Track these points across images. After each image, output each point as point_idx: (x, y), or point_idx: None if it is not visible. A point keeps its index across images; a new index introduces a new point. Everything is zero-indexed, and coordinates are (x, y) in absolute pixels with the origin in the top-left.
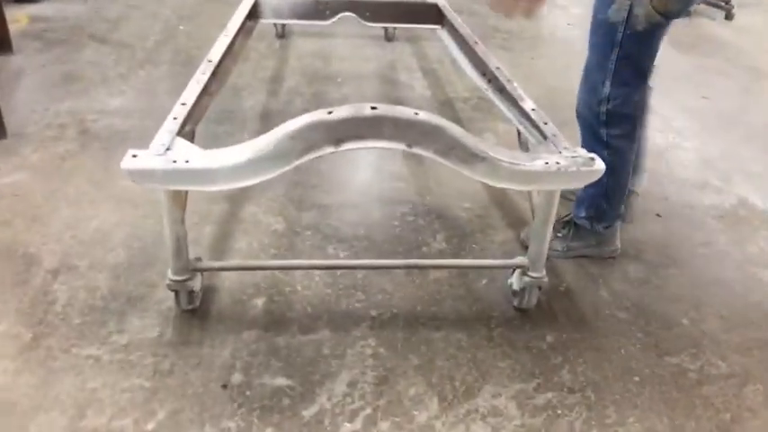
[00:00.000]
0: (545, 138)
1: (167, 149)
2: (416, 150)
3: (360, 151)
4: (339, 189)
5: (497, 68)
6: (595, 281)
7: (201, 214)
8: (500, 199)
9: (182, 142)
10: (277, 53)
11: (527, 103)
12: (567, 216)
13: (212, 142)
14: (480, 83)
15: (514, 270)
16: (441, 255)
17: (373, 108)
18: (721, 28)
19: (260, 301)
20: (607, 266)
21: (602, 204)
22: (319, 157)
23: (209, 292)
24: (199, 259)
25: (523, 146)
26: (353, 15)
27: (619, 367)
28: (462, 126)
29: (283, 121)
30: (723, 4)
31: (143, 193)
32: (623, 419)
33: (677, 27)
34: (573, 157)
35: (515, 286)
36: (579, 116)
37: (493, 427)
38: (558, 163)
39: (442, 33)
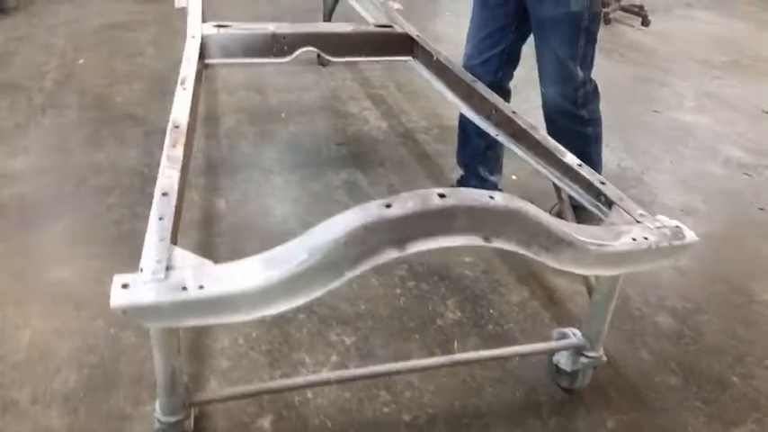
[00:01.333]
0: (609, 203)
1: (168, 269)
2: (496, 244)
3: (333, 204)
4: None
5: (513, 113)
6: (631, 340)
7: None
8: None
9: (181, 254)
10: (204, 86)
11: (568, 156)
12: (555, 207)
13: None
14: (485, 126)
15: None
16: (460, 327)
17: (441, 196)
18: (640, 35)
19: (266, 422)
20: (636, 320)
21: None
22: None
23: (201, 416)
24: (189, 387)
25: (567, 208)
26: (315, 50)
27: None
28: (431, 161)
29: (232, 172)
30: (638, 10)
31: (83, 283)
32: None
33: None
34: (659, 227)
35: (566, 367)
36: (552, 111)
37: None
38: (646, 238)
39: (416, 65)
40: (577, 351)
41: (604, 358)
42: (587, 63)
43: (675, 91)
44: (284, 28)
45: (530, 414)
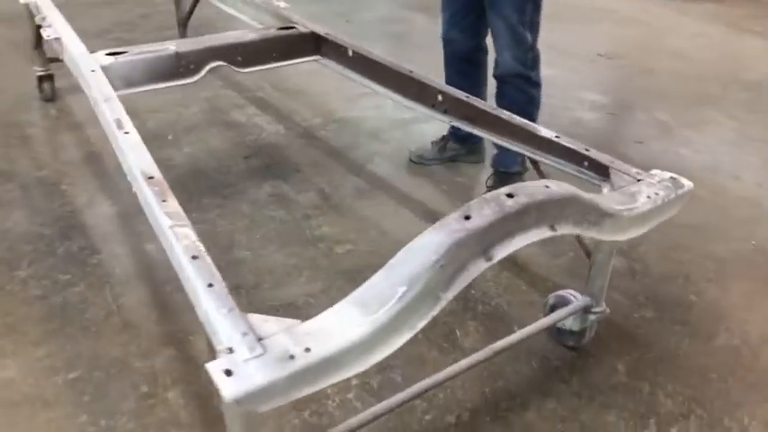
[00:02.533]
0: (599, 168)
1: (260, 340)
2: (560, 231)
3: (272, 221)
4: (290, 282)
5: (467, 96)
6: None
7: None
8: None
9: (261, 320)
10: (64, 122)
11: (543, 131)
12: (492, 178)
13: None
14: (431, 113)
15: None
16: (454, 315)
17: (510, 196)
18: None
19: None
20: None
21: None
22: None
23: None
24: None
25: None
26: (223, 64)
27: (696, 369)
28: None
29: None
30: None
31: (38, 378)
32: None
33: None
34: (660, 181)
35: (575, 327)
36: (506, 74)
37: None
38: (657, 194)
39: (328, 63)
40: (584, 310)
41: (608, 310)
42: (535, 28)
43: None
44: (187, 45)
45: (553, 380)
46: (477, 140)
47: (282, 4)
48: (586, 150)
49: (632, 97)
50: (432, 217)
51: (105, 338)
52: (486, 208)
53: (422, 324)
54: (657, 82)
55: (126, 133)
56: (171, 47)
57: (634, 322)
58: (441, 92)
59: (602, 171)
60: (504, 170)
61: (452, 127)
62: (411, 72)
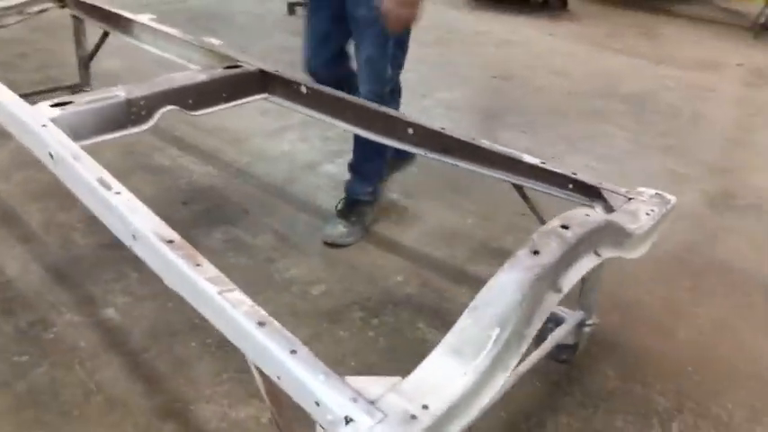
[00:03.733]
0: (595, 191)
1: (373, 403)
2: (603, 255)
3: (235, 269)
4: None
5: (442, 128)
6: None
7: None
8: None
9: (362, 381)
10: None
11: (526, 157)
12: (342, 202)
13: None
14: (401, 146)
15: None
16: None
17: (565, 227)
18: None
19: None
20: None
21: (384, 169)
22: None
23: None
24: None
25: (533, 208)
26: (175, 108)
27: (673, 364)
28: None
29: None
30: None
31: None
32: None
33: None
34: (650, 198)
35: (569, 341)
36: None
37: None
38: (653, 210)
39: (277, 100)
40: (579, 325)
41: (598, 320)
42: (396, 63)
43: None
44: (137, 90)
45: (557, 395)
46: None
47: (216, 42)
48: (573, 174)
49: (532, 115)
50: (389, 244)
51: (93, 421)
52: (552, 242)
53: (514, 363)
54: (549, 99)
55: (118, 194)
56: (120, 93)
57: (606, 328)
58: (411, 124)
59: (591, 192)
60: (355, 197)
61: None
62: (379, 107)
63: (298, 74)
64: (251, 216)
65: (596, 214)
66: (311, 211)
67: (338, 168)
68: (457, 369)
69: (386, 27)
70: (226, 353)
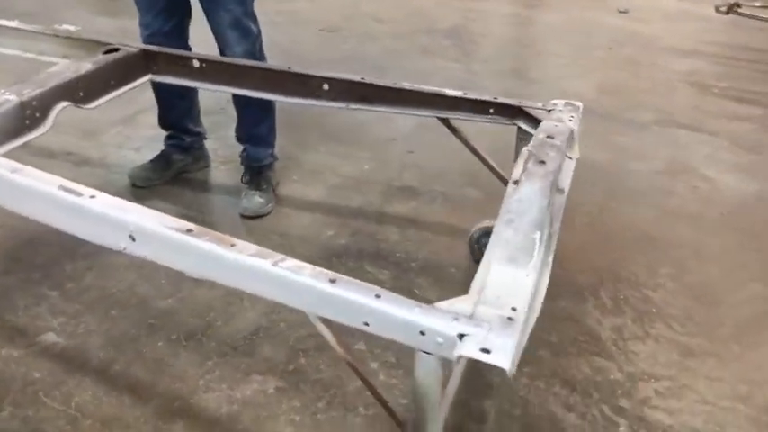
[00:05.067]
0: (516, 110)
1: (514, 308)
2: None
3: None
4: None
5: (362, 78)
6: None
7: None
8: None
9: (443, 305)
10: None
11: (449, 91)
12: (247, 172)
13: None
14: (317, 103)
15: None
16: None
17: (550, 137)
18: None
19: None
20: (481, 202)
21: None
22: None
23: None
24: None
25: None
26: (68, 104)
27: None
28: None
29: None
30: None
31: None
32: None
33: None
34: (565, 106)
35: None
36: None
37: None
38: (572, 116)
39: (165, 79)
40: None
41: None
42: (255, 17)
43: None
44: (26, 90)
45: None
46: (200, 145)
47: (72, 28)
48: (495, 99)
49: (372, 61)
50: (303, 203)
51: None
52: (550, 152)
53: (551, 258)
54: (382, 44)
55: (93, 197)
56: (11, 96)
57: None
58: (326, 79)
59: (512, 112)
60: (258, 164)
61: (172, 137)
62: (289, 68)
63: (180, 50)
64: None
65: (562, 124)
66: (212, 190)
67: (217, 144)
68: (519, 272)
69: None
70: (199, 342)
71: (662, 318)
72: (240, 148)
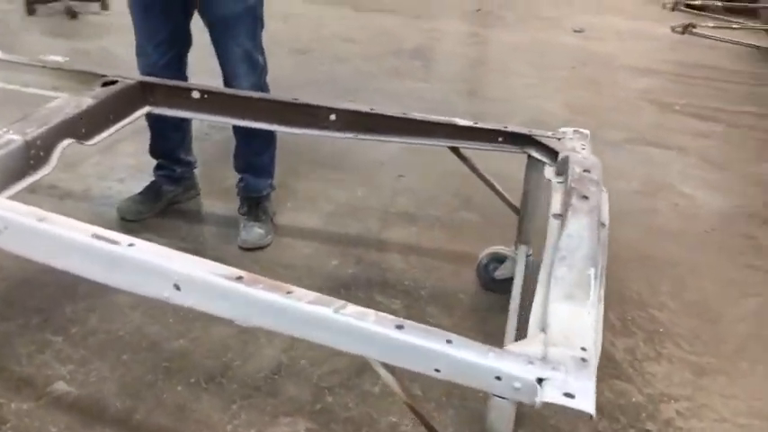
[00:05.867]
0: (527, 139)
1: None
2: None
3: None
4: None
5: (372, 109)
6: None
7: None
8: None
9: (514, 348)
10: None
11: (459, 120)
12: (245, 203)
13: None
14: (325, 134)
15: None
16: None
17: (586, 171)
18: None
19: None
20: (479, 227)
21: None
22: None
23: None
24: None
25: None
26: (72, 140)
27: None
28: None
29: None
30: None
31: None
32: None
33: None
34: (574, 133)
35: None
36: None
37: None
38: (582, 144)
39: (163, 111)
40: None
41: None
42: (263, 49)
43: None
44: (27, 129)
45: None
46: (190, 175)
47: (60, 59)
48: (504, 127)
49: (346, 83)
50: (302, 232)
51: None
52: (590, 186)
53: (603, 293)
54: (354, 66)
55: (131, 245)
56: (15, 137)
57: None
58: (333, 110)
59: (522, 141)
60: (257, 195)
61: (162, 168)
62: (296, 99)
63: (178, 81)
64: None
65: (587, 155)
66: (206, 221)
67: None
68: (580, 311)
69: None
70: (219, 385)
71: (670, 337)
72: (235, 176)
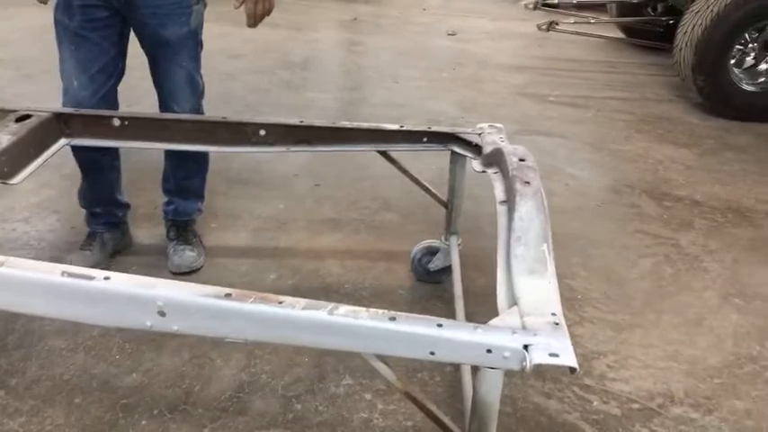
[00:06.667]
0: (450, 137)
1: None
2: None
3: None
4: None
5: (301, 121)
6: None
7: None
8: None
9: (496, 321)
10: None
11: (387, 126)
12: (173, 227)
13: None
14: (253, 149)
15: None
16: None
17: (522, 160)
18: None
19: None
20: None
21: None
22: None
23: None
24: None
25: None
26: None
27: None
28: None
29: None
30: None
31: None
32: None
33: None
34: (490, 128)
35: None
36: None
37: None
38: (501, 137)
39: (84, 142)
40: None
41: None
42: (200, 71)
43: None
44: None
45: None
46: (123, 218)
47: None
48: (429, 128)
49: (241, 99)
50: (232, 250)
51: None
52: (529, 173)
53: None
54: (245, 81)
55: (107, 279)
56: None
57: None
58: (262, 125)
59: (446, 139)
60: (186, 218)
61: (98, 216)
62: (224, 117)
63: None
64: None
65: (518, 146)
66: (132, 253)
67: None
68: (543, 282)
69: (249, 24)
70: (184, 412)
71: (588, 302)
72: (154, 200)
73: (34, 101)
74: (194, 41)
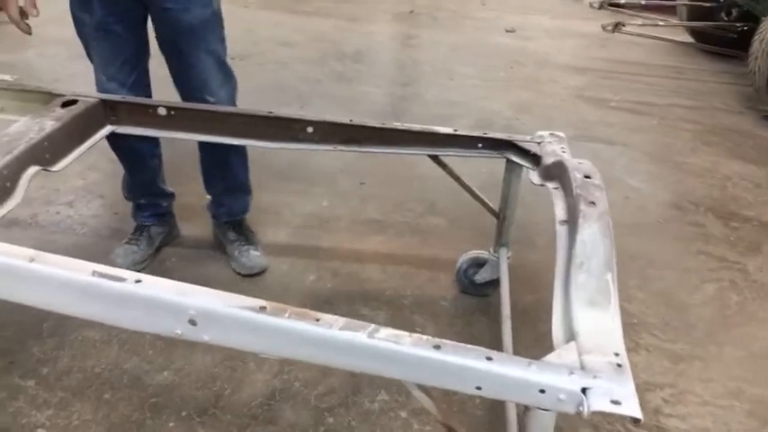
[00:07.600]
0: (506, 144)
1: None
2: None
3: None
4: None
5: (351, 120)
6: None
7: None
8: None
9: (550, 358)
10: None
11: (440, 129)
12: (232, 227)
13: None
14: (299, 147)
15: None
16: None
17: (587, 177)
18: None
19: None
20: (437, 230)
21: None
22: None
23: None
24: None
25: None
26: (38, 168)
27: None
28: None
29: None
30: None
31: None
32: None
33: None
34: (551, 137)
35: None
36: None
37: None
38: (562, 147)
39: (127, 130)
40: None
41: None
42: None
43: None
44: None
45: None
46: (169, 209)
47: (9, 77)
48: (484, 134)
49: (293, 88)
50: (273, 248)
51: None
52: (595, 192)
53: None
54: (296, 70)
55: (138, 282)
56: None
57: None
58: (310, 122)
59: (502, 146)
60: (243, 216)
61: (145, 207)
62: (271, 112)
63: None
64: None
65: (583, 160)
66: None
67: None
68: (604, 316)
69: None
70: (213, 417)
71: (644, 327)
72: (202, 199)
73: (87, 81)
74: (219, 23)
